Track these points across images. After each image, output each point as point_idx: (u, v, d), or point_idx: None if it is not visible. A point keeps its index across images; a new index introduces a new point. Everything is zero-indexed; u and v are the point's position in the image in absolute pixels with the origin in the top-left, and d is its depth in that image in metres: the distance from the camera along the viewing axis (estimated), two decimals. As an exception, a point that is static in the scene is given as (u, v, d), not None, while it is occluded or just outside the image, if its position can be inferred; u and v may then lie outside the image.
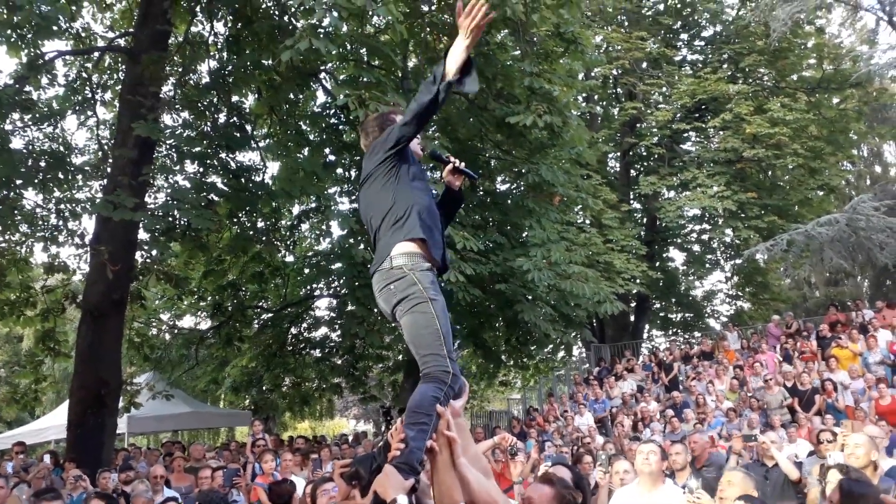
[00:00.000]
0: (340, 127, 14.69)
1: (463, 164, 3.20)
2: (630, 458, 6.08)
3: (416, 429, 2.57)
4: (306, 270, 17.00)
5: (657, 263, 22.51)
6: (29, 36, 11.54)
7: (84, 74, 14.13)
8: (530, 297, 14.04)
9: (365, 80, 12.03)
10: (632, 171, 24.30)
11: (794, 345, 14.19)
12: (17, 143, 12.05)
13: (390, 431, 2.78)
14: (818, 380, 12.12)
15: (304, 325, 17.67)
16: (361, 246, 14.96)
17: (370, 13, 10.81)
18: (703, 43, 24.43)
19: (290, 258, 16.99)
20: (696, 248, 24.40)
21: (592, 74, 22.07)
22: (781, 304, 22.30)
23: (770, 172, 21.06)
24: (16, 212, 11.53)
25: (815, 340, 14.13)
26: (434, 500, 2.68)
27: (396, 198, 2.89)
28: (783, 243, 15.23)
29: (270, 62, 12.89)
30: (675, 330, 25.57)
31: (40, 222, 12.17)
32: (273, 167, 28.79)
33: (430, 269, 2.82)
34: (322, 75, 14.31)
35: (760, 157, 19.16)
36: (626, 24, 23.52)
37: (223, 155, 13.49)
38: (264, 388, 17.29)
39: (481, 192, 15.78)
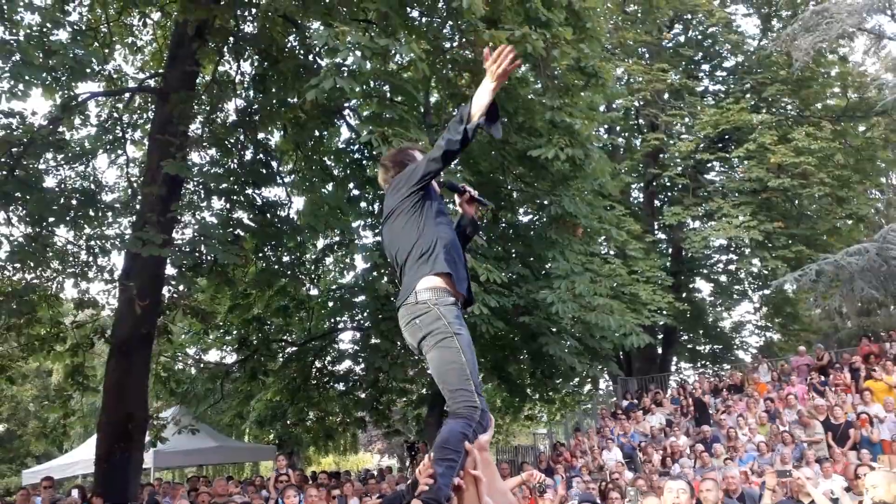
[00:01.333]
0: (364, 162, 14.87)
1: (476, 192, 3.26)
2: (659, 494, 5.96)
3: (445, 465, 2.58)
4: (330, 304, 17.07)
5: (684, 294, 22.25)
6: (63, 78, 11.89)
7: (115, 115, 14.50)
8: (555, 330, 13.95)
9: (388, 116, 12.21)
10: (656, 202, 24.20)
11: (826, 377, 13.87)
12: (49, 182, 12.37)
13: (418, 468, 2.79)
14: (852, 413, 11.82)
15: (329, 358, 17.68)
16: (385, 279, 15.02)
17: (392, 52, 11.00)
18: (724, 73, 24.45)
19: (314, 291, 17.08)
20: (723, 278, 24.09)
21: (614, 106, 22.16)
22: (812, 334, 21.87)
23: (797, 202, 20.84)
24: (47, 248, 11.76)
25: (849, 373, 13.81)
26: None
27: (422, 232, 2.92)
28: (812, 273, 15.00)
29: (295, 100, 13.14)
30: (703, 362, 25.17)
31: (71, 259, 12.39)
32: (298, 202, 29.13)
33: (454, 304, 2.85)
34: (346, 112, 14.54)
35: (786, 186, 18.98)
36: (647, 56, 23.64)
37: (249, 191, 13.70)
38: (288, 421, 17.26)
39: (503, 224, 15.80)
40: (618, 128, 23.75)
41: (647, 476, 10.34)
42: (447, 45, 13.72)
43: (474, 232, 3.37)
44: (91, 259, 12.55)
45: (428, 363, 2.87)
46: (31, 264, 11.58)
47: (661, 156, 22.92)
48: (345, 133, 15.76)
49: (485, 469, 2.72)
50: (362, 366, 16.87)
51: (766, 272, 20.00)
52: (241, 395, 16.93)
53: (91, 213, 12.69)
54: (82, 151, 13.39)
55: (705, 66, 24.70)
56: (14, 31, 12.33)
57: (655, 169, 22.51)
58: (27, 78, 11.10)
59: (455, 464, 2.61)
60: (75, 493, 10.09)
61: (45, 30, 11.82)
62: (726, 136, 21.55)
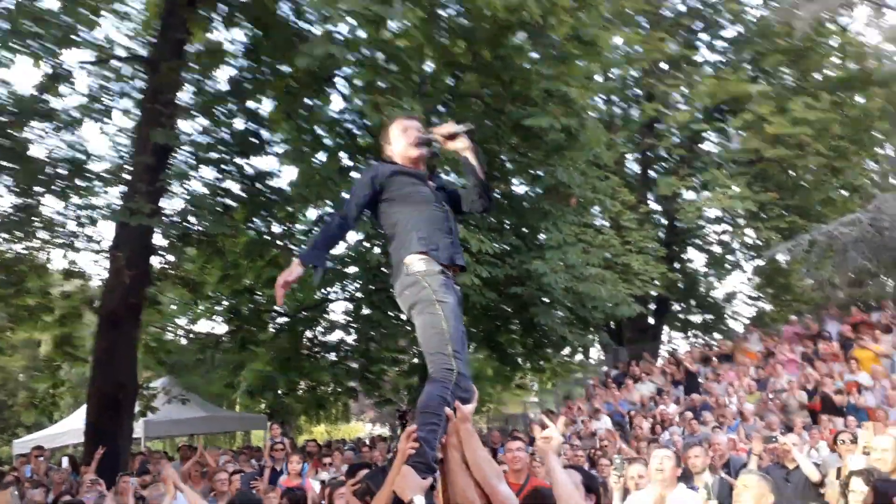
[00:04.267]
0: (356, 132, 14.72)
1: (443, 129, 3.21)
2: (646, 461, 5.99)
3: (427, 428, 2.65)
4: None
5: (676, 265, 22.26)
6: (51, 46, 11.70)
7: (104, 83, 14.29)
8: (547, 300, 13.95)
9: (381, 84, 12.07)
10: (651, 172, 24.06)
11: (815, 347, 13.93)
12: (36, 151, 12.21)
13: (401, 436, 2.81)
14: (840, 382, 11.89)
15: (320, 328, 17.69)
16: (377, 250, 14.96)
17: (387, 19, 10.85)
18: (724, 43, 24.13)
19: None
20: (717, 249, 24.08)
21: (611, 76, 21.91)
22: (804, 304, 21.93)
23: (792, 172, 20.74)
24: (35, 218, 11.67)
25: (838, 341, 13.87)
26: (449, 499, 2.68)
27: (396, 219, 3.08)
28: (805, 243, 14.99)
29: (287, 69, 12.97)
30: (694, 332, 25.28)
31: (59, 229, 12.30)
32: (289, 172, 28.96)
33: (441, 272, 2.95)
34: (337, 80, 14.35)
35: (782, 156, 18.87)
36: (647, 25, 23.31)
37: (240, 161, 13.58)
38: (280, 391, 17.34)
39: (497, 195, 15.72)
40: (614, 98, 23.51)
41: (634, 443, 10.43)
42: (443, 12, 13.52)
43: (476, 180, 3.24)
44: (79, 229, 12.47)
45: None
46: (19, 234, 11.49)
47: (658, 126, 22.74)
48: (337, 103, 15.60)
49: (468, 438, 2.74)
50: (353, 336, 16.91)
51: (759, 243, 20.01)
52: (231, 366, 16.98)
53: (79, 183, 12.57)
54: (70, 120, 13.21)
55: (704, 36, 24.36)
56: (2, -3, 12.12)
57: (651, 139, 22.35)
58: (14, 45, 10.96)
59: (437, 426, 2.68)
60: (65, 462, 10.13)
61: (35, -3, 11.62)
62: (723, 107, 21.36)
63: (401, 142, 3.26)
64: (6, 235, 11.42)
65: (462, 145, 3.19)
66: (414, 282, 2.91)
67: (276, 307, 16.94)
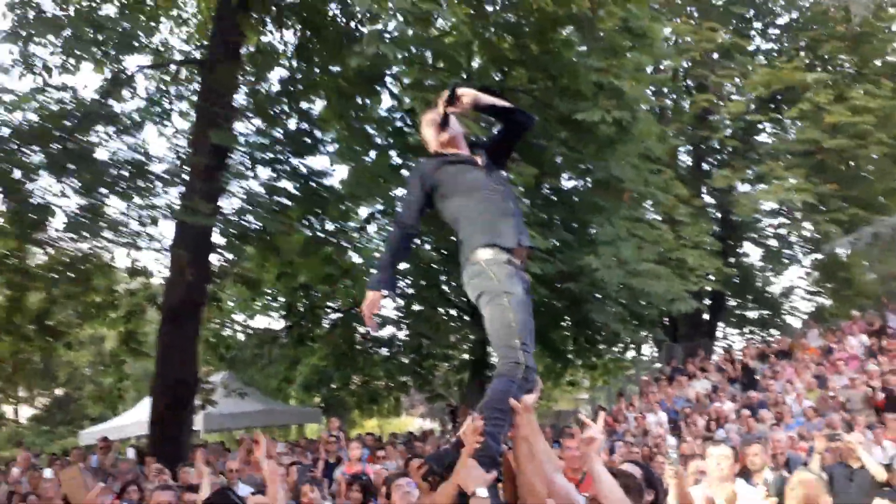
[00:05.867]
0: (406, 130, 14.83)
1: (441, 99, 3.09)
2: (703, 458, 5.92)
3: (492, 423, 2.65)
4: (374, 272, 17.17)
5: (732, 259, 21.78)
6: (112, 52, 12.12)
7: (162, 87, 14.72)
8: (600, 296, 13.83)
9: (429, 82, 12.14)
10: (704, 165, 23.57)
11: (879, 343, 13.50)
12: (100, 154, 12.66)
13: (463, 429, 2.85)
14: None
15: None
16: (427, 246, 15.04)
17: (435, 17, 10.90)
18: (777, 31, 23.50)
19: (358, 260, 17.24)
20: (773, 243, 23.48)
21: (662, 67, 21.54)
22: (866, 299, 21.23)
23: (852, 163, 20.08)
24: (100, 219, 12.09)
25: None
26: (514, 492, 2.72)
27: (457, 214, 3.06)
28: (868, 236, 14.54)
29: (338, 68, 13.15)
30: (751, 328, 24.71)
31: (122, 228, 12.73)
32: (342, 171, 29.31)
33: (508, 262, 2.90)
34: (387, 80, 14.48)
35: (842, 146, 18.28)
36: (696, 14, 22.85)
37: (294, 160, 13.83)
38: (334, 386, 17.61)
39: (547, 190, 15.65)
40: (665, 90, 23.11)
41: (691, 441, 10.28)
42: (490, 7, 13.51)
43: (500, 107, 3.15)
44: (141, 228, 12.88)
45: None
46: (86, 234, 11.93)
47: (711, 118, 22.27)
48: (386, 101, 15.73)
49: (529, 429, 2.76)
50: (405, 332, 17.06)
51: (818, 236, 19.44)
52: (287, 360, 17.33)
53: (141, 184, 12.98)
54: (131, 123, 13.65)
55: (757, 24, 23.76)
56: (64, 6, 12.61)
57: (704, 131, 21.90)
58: (77, 52, 11.39)
59: (503, 422, 2.68)
60: (131, 452, 10.52)
61: (93, 5, 12.04)
62: (778, 97, 20.80)
63: (430, 130, 3.23)
64: (73, 235, 11.85)
65: (468, 99, 3.07)
66: (480, 272, 2.88)
67: (329, 304, 17.24)
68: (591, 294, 13.73)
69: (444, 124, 3.15)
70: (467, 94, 3.06)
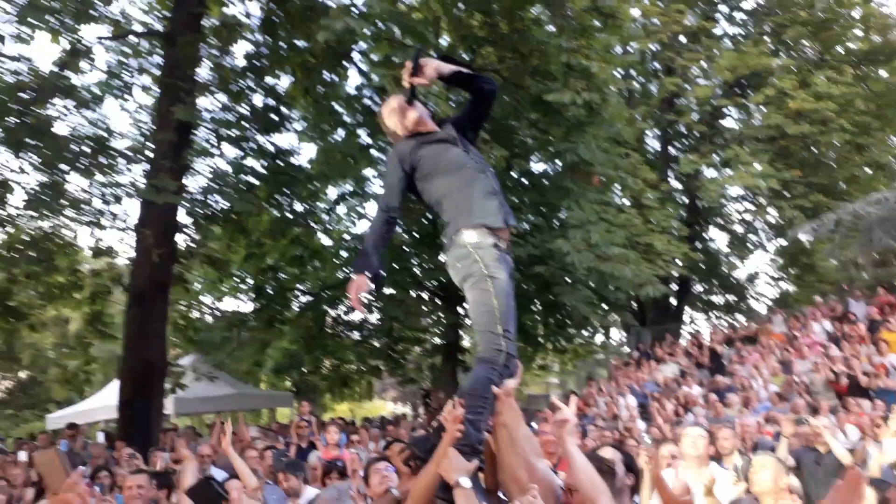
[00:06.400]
0: (375, 108, 14.62)
1: (405, 71, 2.98)
2: (676, 441, 5.97)
3: (473, 410, 2.63)
4: (344, 253, 17.06)
5: (698, 244, 22.09)
6: (68, 22, 11.64)
7: (123, 59, 14.23)
8: (569, 280, 13.88)
9: (397, 59, 11.94)
10: (671, 150, 23.79)
11: (842, 328, 13.82)
12: (59, 129, 12.21)
13: (443, 414, 2.80)
14: (867, 364, 11.80)
15: (343, 307, 17.76)
16: (399, 229, 14.92)
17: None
18: (743, 15, 23.70)
19: (328, 241, 17.05)
20: (739, 228, 23.88)
21: (629, 49, 21.59)
22: (828, 286, 21.75)
23: (815, 149, 20.44)
24: (61, 196, 11.70)
25: (865, 323, 13.74)
26: (498, 478, 2.68)
27: (439, 194, 3.00)
28: (830, 223, 14.83)
29: (304, 43, 12.86)
30: (717, 313, 25.17)
31: (85, 206, 12.34)
32: (309, 150, 28.91)
33: (494, 246, 2.86)
34: (355, 56, 14.21)
35: (805, 133, 18.58)
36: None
37: (261, 138, 13.54)
38: (305, 369, 17.47)
39: (517, 173, 15.61)
40: (633, 72, 23.18)
41: (661, 425, 10.41)
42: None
43: (465, 75, 3.08)
44: (105, 207, 12.51)
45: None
46: (47, 212, 11.54)
47: (677, 101, 22.44)
48: (355, 79, 15.49)
49: (511, 414, 2.72)
50: (377, 315, 16.96)
51: (782, 222, 19.80)
52: (257, 344, 17.12)
53: (103, 161, 12.58)
54: (91, 97, 13.19)
55: (723, 8, 23.91)
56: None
57: (671, 115, 22.08)
58: (32, 21, 10.92)
59: (483, 409, 2.66)
60: (101, 437, 10.32)
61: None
62: (744, 82, 21.03)
63: (393, 118, 3.13)
64: (33, 213, 11.46)
65: (431, 69, 2.97)
66: (465, 254, 2.83)
67: (298, 286, 17.03)
68: (561, 277, 13.77)
69: (410, 100, 3.07)
70: (430, 64, 2.98)
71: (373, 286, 2.94)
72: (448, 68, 3.02)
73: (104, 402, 14.62)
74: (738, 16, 23.83)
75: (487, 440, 2.72)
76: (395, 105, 3.11)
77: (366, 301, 2.81)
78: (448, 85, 3.20)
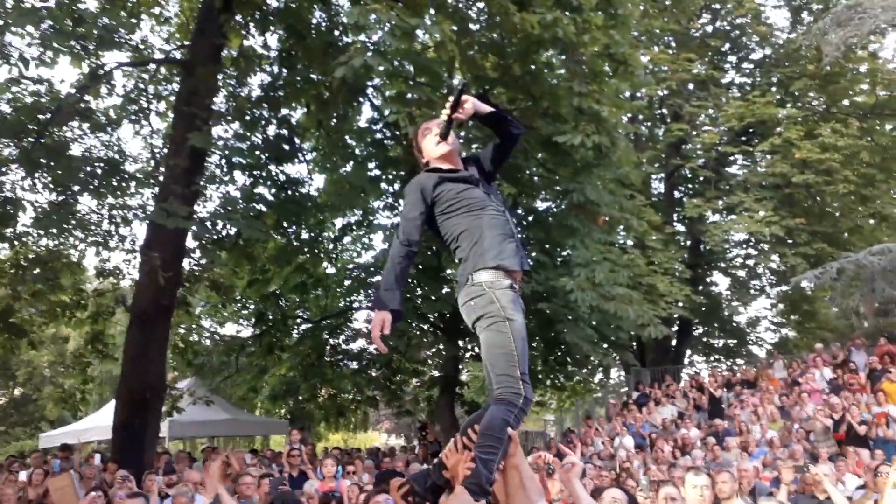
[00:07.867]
0: (386, 142, 14.82)
1: (447, 105, 3.01)
2: (678, 483, 5.95)
3: (487, 451, 2.61)
4: (347, 282, 17.12)
5: (700, 287, 22.12)
6: (91, 47, 11.90)
7: (140, 85, 14.52)
8: (572, 318, 13.90)
9: (411, 96, 12.14)
10: (676, 193, 24.00)
11: (842, 376, 13.78)
12: (74, 150, 12.40)
13: (446, 451, 2.81)
14: (867, 413, 11.75)
15: (343, 336, 17.77)
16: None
17: (421, 32, 10.93)
18: (751, 66, 24.12)
19: (331, 270, 17.14)
20: (741, 273, 23.94)
21: (639, 95, 21.91)
22: (828, 333, 21.73)
23: (819, 199, 20.62)
24: (71, 216, 11.84)
25: (865, 372, 13.71)
26: None
27: (458, 231, 2.98)
28: (833, 271, 14.88)
29: (320, 77, 13.09)
30: (717, 356, 25.09)
31: (93, 227, 12.47)
32: (319, 180, 29.17)
33: (511, 287, 2.85)
34: (369, 91, 14.46)
35: (810, 182, 18.77)
36: (674, 45, 23.35)
37: (272, 167, 13.71)
38: (301, 397, 17.39)
39: (522, 210, 15.74)
40: (640, 117, 23.50)
41: (658, 466, 10.36)
42: (474, 26, 13.60)
43: (499, 114, 3.12)
44: (113, 228, 12.63)
45: (480, 345, 2.88)
46: (55, 231, 11.66)
47: (684, 147, 22.70)
48: (367, 112, 15.74)
49: (516, 454, 2.75)
50: (376, 345, 16.92)
51: (784, 268, 19.85)
52: (255, 370, 17.08)
53: (114, 183, 12.73)
54: (107, 121, 13.42)
55: (732, 58, 24.37)
56: (44, -3, 12.34)
57: (677, 160, 22.31)
58: (56, 45, 11.15)
59: (497, 450, 2.63)
60: (98, 458, 10.26)
61: (74, -3, 11.78)
62: (751, 130, 21.30)
63: (428, 143, 3.16)
64: (43, 232, 11.58)
65: (470, 106, 3.00)
66: (481, 293, 2.81)
67: (298, 312, 17.07)
68: (563, 315, 13.78)
69: (446, 133, 3.07)
70: (470, 101, 3.01)
71: (395, 323, 2.86)
72: (485, 108, 3.06)
73: (98, 423, 14.56)
74: (747, 66, 24.27)
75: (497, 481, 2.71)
76: (434, 130, 3.13)
77: (391, 343, 2.66)
78: (480, 123, 3.23)
